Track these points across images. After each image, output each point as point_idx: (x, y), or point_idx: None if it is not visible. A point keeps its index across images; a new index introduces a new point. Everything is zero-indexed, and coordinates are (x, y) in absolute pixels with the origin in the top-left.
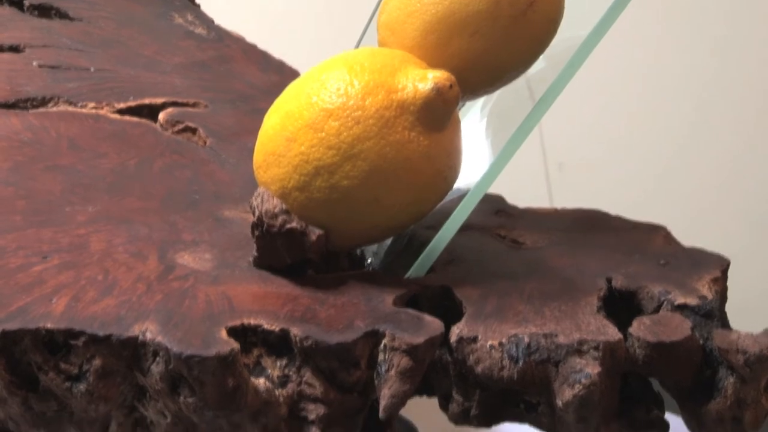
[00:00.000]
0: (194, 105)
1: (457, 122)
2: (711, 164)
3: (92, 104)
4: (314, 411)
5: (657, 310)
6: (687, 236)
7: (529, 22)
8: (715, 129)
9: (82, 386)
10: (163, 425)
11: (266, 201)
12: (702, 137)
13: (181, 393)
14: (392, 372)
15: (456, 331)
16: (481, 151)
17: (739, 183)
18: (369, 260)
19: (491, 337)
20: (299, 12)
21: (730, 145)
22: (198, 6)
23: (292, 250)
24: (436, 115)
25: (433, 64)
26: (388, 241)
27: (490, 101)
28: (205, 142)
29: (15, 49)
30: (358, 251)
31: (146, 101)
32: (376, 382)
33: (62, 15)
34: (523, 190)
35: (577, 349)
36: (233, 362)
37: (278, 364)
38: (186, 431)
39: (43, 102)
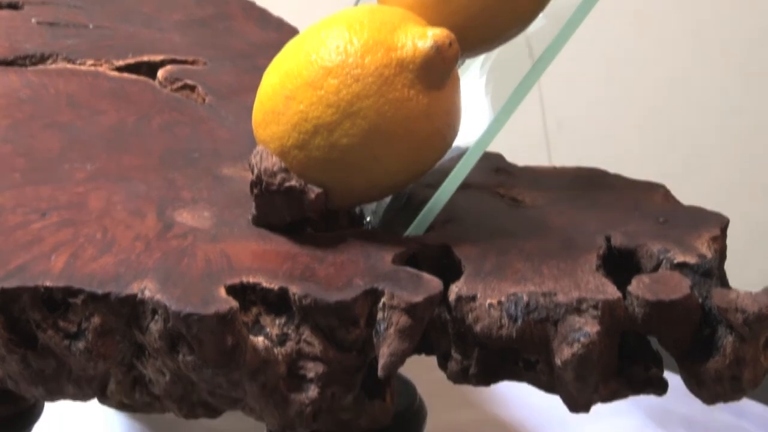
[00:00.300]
0: (193, 62)
1: (457, 80)
2: (711, 122)
3: (91, 61)
4: (313, 369)
5: (656, 268)
6: (686, 194)
7: None
8: (716, 84)
9: (80, 344)
10: (161, 383)
11: (265, 159)
12: (703, 95)
13: (180, 351)
14: (391, 330)
15: (455, 290)
16: (480, 110)
17: (740, 138)
18: (368, 218)
19: (490, 296)
20: None
21: (731, 100)
22: None
23: (291, 209)
24: (436, 73)
25: (433, 21)
26: (387, 200)
27: (490, 59)
28: (204, 100)
29: (14, 6)
30: (357, 209)
31: (145, 58)
32: (374, 340)
33: None
34: (523, 149)
35: (576, 308)
36: (232, 320)
37: (277, 322)
38: (185, 389)
39: (42, 59)
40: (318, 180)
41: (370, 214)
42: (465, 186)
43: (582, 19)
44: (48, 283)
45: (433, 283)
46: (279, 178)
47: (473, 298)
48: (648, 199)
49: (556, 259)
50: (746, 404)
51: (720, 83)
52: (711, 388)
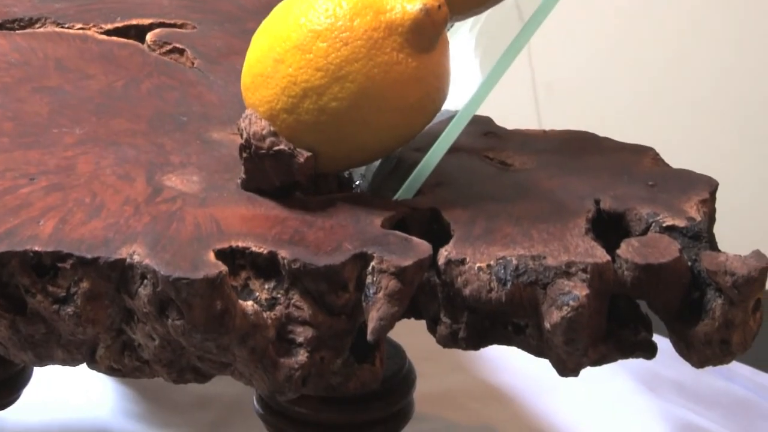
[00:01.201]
0: (182, 26)
1: (446, 43)
2: (701, 85)
3: (79, 25)
4: (302, 334)
5: (645, 231)
6: (676, 157)
7: None
8: (707, 46)
9: (69, 309)
10: (150, 348)
11: (254, 123)
12: (693, 57)
13: (169, 316)
14: (380, 294)
15: (444, 254)
16: (469, 73)
17: (730, 103)
18: (357, 182)
19: (479, 260)
20: None
21: (721, 65)
22: None
23: (280, 172)
24: (425, 36)
25: None
26: (377, 163)
27: (479, 22)
28: (192, 63)
29: None
30: (346, 173)
31: (133, 22)
32: (364, 304)
33: None
34: (512, 112)
35: (565, 271)
36: (221, 285)
37: (266, 286)
38: (174, 354)
39: (31, 23)
40: (307, 144)
41: (360, 177)
42: (454, 150)
43: None
44: (37, 248)
45: (422, 246)
46: (268, 141)
47: (462, 262)
48: (637, 162)
49: (545, 222)
50: (735, 367)
51: (712, 45)
52: (700, 352)
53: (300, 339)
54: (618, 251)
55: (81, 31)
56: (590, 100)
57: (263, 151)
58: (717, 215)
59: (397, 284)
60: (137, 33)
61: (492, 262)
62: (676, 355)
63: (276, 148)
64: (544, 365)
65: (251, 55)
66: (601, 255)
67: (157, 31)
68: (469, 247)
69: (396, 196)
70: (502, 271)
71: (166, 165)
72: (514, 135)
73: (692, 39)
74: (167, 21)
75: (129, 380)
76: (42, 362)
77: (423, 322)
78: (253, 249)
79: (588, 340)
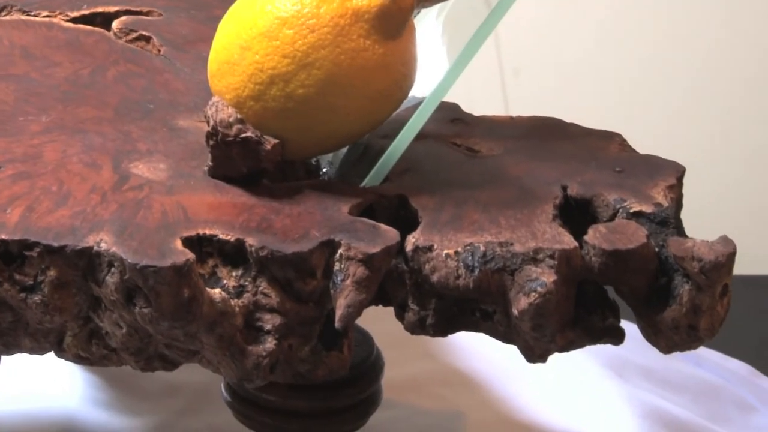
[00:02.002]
0: (148, 13)
1: (413, 30)
2: (671, 69)
3: (45, 13)
4: (270, 321)
5: (612, 217)
6: (643, 143)
7: None
8: (673, 32)
9: (37, 297)
10: (118, 336)
11: (221, 110)
12: (663, 43)
13: (137, 304)
14: (348, 281)
15: (412, 240)
16: (436, 59)
17: (699, 89)
18: (324, 169)
19: (447, 246)
20: None
21: (692, 52)
22: None
23: (247, 160)
24: (392, 23)
25: None
26: (344, 150)
27: (446, 9)
28: (159, 51)
29: None
30: (314, 160)
31: (99, 9)
32: (332, 291)
33: None
34: (479, 98)
35: (533, 258)
36: (188, 272)
37: (234, 274)
38: (141, 342)
39: None
40: (274, 131)
41: (327, 164)
42: (421, 136)
43: None
44: (3, 236)
45: (390, 233)
46: (235, 129)
47: (430, 249)
48: (604, 148)
49: (512, 209)
50: (703, 352)
51: (679, 32)
52: (668, 337)
53: (268, 326)
54: (585, 237)
55: (47, 19)
56: (557, 87)
57: (230, 139)
58: (684, 201)
59: (364, 271)
60: (103, 20)
61: (460, 249)
62: (644, 340)
63: (243, 135)
64: (512, 351)
65: (218, 42)
66: (568, 241)
67: (123, 18)
68: (436, 234)
69: (363, 183)
70: (470, 258)
71: (133, 152)
72: (481, 121)
73: (660, 24)
74: (133, 8)
75: (97, 368)
76: (9, 351)
77: (391, 309)
78: (221, 236)
79: (556, 326)
